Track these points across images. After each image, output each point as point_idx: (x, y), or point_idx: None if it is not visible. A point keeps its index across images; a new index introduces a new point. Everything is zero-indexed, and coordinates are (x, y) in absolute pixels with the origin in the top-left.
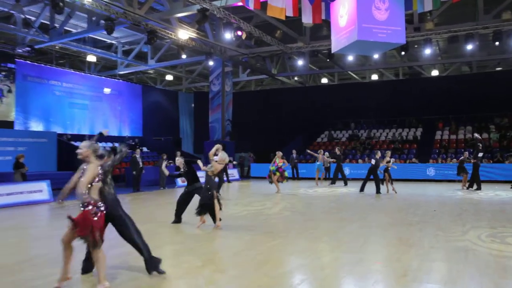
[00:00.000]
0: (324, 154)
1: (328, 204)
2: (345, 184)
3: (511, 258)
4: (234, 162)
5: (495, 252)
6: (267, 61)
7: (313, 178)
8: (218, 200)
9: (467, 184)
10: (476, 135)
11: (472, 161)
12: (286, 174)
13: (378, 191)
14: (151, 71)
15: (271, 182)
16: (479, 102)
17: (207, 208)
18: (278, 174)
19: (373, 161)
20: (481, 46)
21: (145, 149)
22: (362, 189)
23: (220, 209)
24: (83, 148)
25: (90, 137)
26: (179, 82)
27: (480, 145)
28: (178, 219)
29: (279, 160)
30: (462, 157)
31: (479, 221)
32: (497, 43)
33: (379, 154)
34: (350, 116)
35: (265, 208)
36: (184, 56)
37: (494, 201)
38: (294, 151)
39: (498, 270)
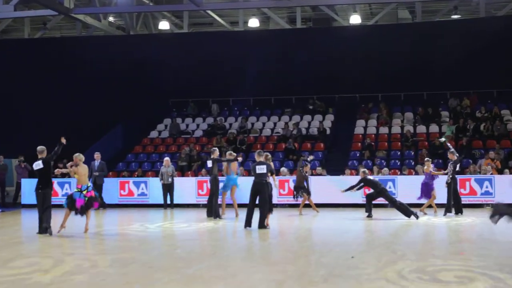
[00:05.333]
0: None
1: (171, 252)
2: (216, 216)
3: None
4: None
5: None
6: None
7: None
8: None
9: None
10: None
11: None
12: None
13: (261, 224)
14: None
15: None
16: (424, 73)
17: None
18: None
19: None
20: None
21: None
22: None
23: None
24: None
25: None
26: None
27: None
28: None
29: None
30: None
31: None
32: None
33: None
34: (211, 92)
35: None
36: None
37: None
38: (97, 156)
39: None
